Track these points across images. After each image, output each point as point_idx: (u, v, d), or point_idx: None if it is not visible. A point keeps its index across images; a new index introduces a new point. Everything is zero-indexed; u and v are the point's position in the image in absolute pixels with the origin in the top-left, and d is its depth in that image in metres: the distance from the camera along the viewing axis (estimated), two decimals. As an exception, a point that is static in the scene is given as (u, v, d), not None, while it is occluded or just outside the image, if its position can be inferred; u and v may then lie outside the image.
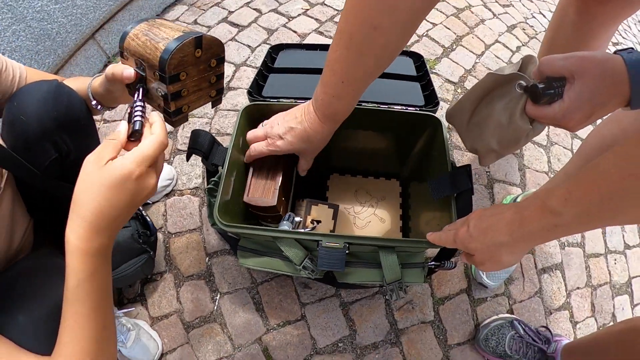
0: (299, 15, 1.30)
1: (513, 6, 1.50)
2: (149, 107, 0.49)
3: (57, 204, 0.69)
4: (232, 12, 1.30)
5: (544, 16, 1.53)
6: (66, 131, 0.60)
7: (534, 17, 1.50)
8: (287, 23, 1.28)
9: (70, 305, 0.40)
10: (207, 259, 0.91)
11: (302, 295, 0.87)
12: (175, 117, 0.49)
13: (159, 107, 0.50)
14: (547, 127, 1.16)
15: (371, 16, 0.42)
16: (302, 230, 0.67)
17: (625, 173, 0.32)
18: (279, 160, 0.68)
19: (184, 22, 1.30)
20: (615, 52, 0.44)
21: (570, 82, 0.46)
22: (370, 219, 0.85)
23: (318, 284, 0.88)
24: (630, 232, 1.08)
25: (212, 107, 0.59)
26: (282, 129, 0.60)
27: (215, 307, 0.87)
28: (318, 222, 0.75)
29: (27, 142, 0.56)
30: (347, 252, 0.55)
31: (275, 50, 0.84)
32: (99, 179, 0.38)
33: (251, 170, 0.68)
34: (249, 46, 1.22)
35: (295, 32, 1.25)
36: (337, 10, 1.33)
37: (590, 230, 0.90)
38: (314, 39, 1.25)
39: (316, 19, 1.29)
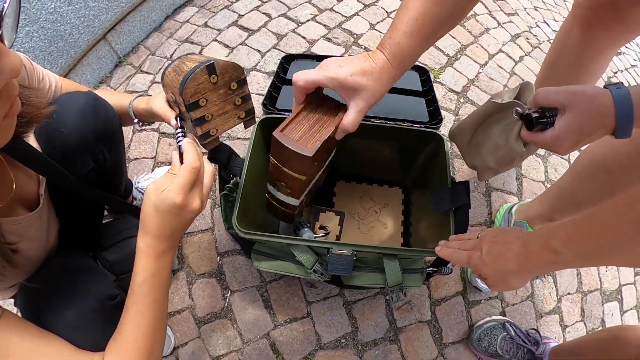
0: (308, 20, 1.37)
1: (518, 15, 1.57)
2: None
3: (84, 208, 0.77)
4: (242, 15, 1.37)
5: (548, 25, 1.60)
6: (103, 142, 0.68)
7: (538, 26, 1.57)
8: (296, 28, 1.35)
9: (135, 298, 0.49)
10: (218, 258, 1.00)
11: (308, 294, 0.96)
12: (204, 141, 0.56)
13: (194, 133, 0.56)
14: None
15: None
16: (314, 239, 0.75)
17: (617, 228, 0.41)
18: (330, 120, 0.58)
19: (195, 24, 1.37)
20: (605, 86, 0.52)
21: (561, 113, 0.53)
22: (374, 225, 0.94)
23: (323, 284, 0.97)
24: None
25: (245, 128, 0.65)
26: (342, 61, 0.55)
27: (226, 304, 0.96)
28: (326, 228, 0.84)
29: (67, 152, 0.63)
30: (354, 258, 0.64)
31: (287, 60, 0.92)
32: (156, 205, 0.48)
33: (299, 108, 0.58)
34: (258, 51, 1.30)
35: (304, 37, 1.32)
36: (345, 16, 1.41)
37: (585, 267, 0.99)
38: (322, 45, 1.32)
39: (325, 25, 1.36)
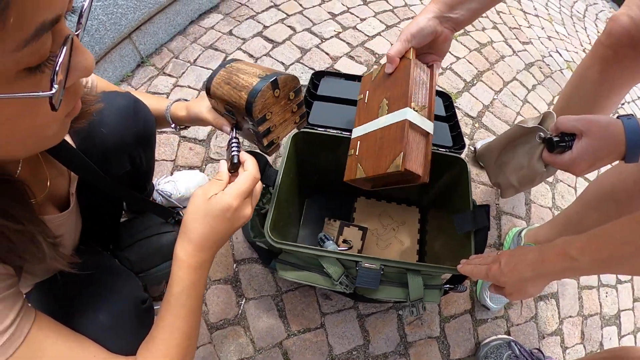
0: (332, 37, 1.45)
1: (532, 44, 1.68)
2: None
3: (107, 207, 0.78)
4: (267, 27, 1.44)
5: (560, 55, 1.71)
6: (141, 146, 0.71)
7: (550, 55, 1.68)
8: (320, 44, 1.43)
9: (170, 307, 0.50)
10: (234, 265, 1.05)
11: (323, 306, 1.01)
12: (268, 149, 0.61)
13: (254, 141, 0.62)
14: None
15: None
16: (344, 251, 0.81)
17: (624, 240, 0.49)
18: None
19: (219, 31, 1.43)
20: (617, 117, 0.61)
21: (579, 138, 0.63)
22: (391, 241, 1.00)
23: (338, 296, 1.02)
24: None
25: (298, 130, 0.71)
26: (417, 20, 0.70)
27: (240, 311, 1.01)
28: (349, 242, 0.89)
29: (106, 153, 0.64)
30: (381, 272, 0.70)
31: (317, 76, 0.99)
32: (204, 210, 0.49)
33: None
34: (282, 63, 1.37)
35: (327, 54, 1.40)
36: (367, 35, 1.49)
37: (598, 274, 1.07)
38: (345, 62, 1.40)
39: (348, 43, 1.44)
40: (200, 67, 1.34)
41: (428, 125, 0.68)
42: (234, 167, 0.56)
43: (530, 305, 1.11)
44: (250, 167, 0.54)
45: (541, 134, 0.70)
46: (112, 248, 0.82)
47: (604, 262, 0.51)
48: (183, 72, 1.33)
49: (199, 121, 0.67)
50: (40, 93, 0.29)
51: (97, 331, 0.50)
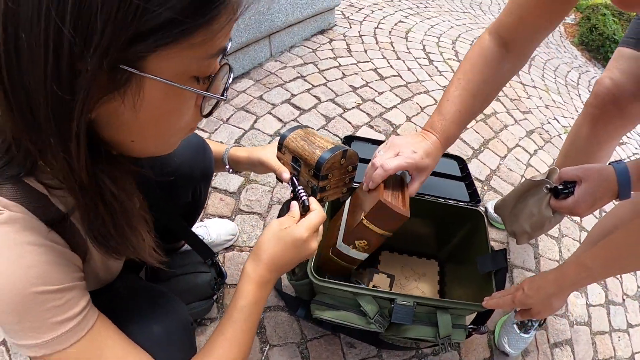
0: (353, 108, 1.72)
1: (532, 113, 1.97)
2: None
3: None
4: (295, 95, 1.71)
5: (558, 121, 1.99)
6: (203, 182, 0.86)
7: (549, 122, 1.96)
8: (342, 114, 1.69)
9: (233, 322, 0.56)
10: (262, 311, 1.15)
11: (347, 354, 1.11)
12: None
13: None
14: (563, 219, 1.52)
15: (482, 72, 0.79)
16: (381, 290, 0.94)
17: (628, 242, 0.66)
18: (400, 190, 0.81)
19: (251, 95, 1.69)
20: (609, 164, 0.81)
21: (579, 184, 0.83)
22: (413, 291, 1.14)
23: (362, 345, 1.12)
24: (632, 313, 1.39)
25: (341, 201, 0.84)
26: (411, 144, 0.79)
27: (263, 358, 1.09)
28: (379, 287, 1.03)
29: (176, 182, 0.72)
30: (414, 309, 0.84)
31: (348, 140, 1.20)
32: (279, 236, 0.59)
33: (382, 184, 0.78)
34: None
35: (349, 122, 1.65)
36: (385, 107, 1.77)
37: (611, 276, 1.18)
38: (365, 130, 1.65)
39: (367, 114, 1.71)
40: (232, 125, 1.57)
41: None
42: (305, 209, 0.67)
43: (546, 352, 1.21)
44: (318, 208, 0.65)
45: (547, 185, 0.90)
46: (149, 278, 0.90)
47: (614, 263, 0.67)
48: (216, 129, 1.55)
49: (258, 165, 0.77)
50: (208, 93, 0.41)
51: (150, 343, 0.53)
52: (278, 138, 0.75)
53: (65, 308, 0.43)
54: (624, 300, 1.42)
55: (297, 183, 0.74)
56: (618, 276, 1.48)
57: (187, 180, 0.79)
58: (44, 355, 0.43)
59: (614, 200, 0.83)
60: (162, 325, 0.58)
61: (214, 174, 1.32)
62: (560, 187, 0.86)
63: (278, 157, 0.76)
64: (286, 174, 0.73)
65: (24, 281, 0.40)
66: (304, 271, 0.91)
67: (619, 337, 1.32)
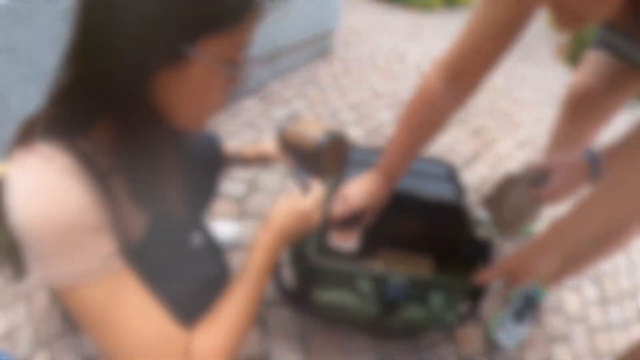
0: (351, 124, 1.85)
1: (524, 126, 2.10)
2: None
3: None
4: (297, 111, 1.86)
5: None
6: (221, 177, 0.97)
7: (540, 135, 2.07)
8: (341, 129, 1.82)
9: (242, 285, 0.60)
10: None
11: (348, 348, 1.14)
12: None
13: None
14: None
15: (421, 120, 0.91)
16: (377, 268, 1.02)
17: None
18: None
19: (255, 111, 1.83)
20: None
21: (553, 173, 0.93)
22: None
23: (362, 339, 1.16)
24: (629, 309, 1.43)
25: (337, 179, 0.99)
26: (357, 189, 0.96)
27: (265, 352, 1.13)
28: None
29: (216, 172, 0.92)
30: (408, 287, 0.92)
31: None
32: (288, 208, 0.69)
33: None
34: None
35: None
36: (381, 123, 1.89)
37: (585, 236, 1.17)
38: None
39: (365, 129, 1.84)
40: (239, 139, 1.70)
41: None
42: (307, 190, 0.79)
43: (543, 347, 1.25)
44: (318, 187, 0.78)
45: (525, 177, 1.00)
46: None
47: (585, 219, 0.79)
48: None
49: (263, 158, 0.95)
50: (242, 74, 0.52)
51: (168, 296, 0.54)
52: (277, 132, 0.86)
53: (99, 246, 0.47)
54: (620, 297, 1.47)
55: (298, 166, 0.86)
56: (614, 272, 1.54)
57: (217, 172, 0.93)
58: (66, 288, 0.46)
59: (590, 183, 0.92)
60: (183, 283, 0.66)
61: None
62: (536, 177, 0.97)
63: (280, 146, 0.87)
64: (288, 160, 0.87)
65: (69, 214, 0.44)
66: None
67: (616, 333, 1.36)
